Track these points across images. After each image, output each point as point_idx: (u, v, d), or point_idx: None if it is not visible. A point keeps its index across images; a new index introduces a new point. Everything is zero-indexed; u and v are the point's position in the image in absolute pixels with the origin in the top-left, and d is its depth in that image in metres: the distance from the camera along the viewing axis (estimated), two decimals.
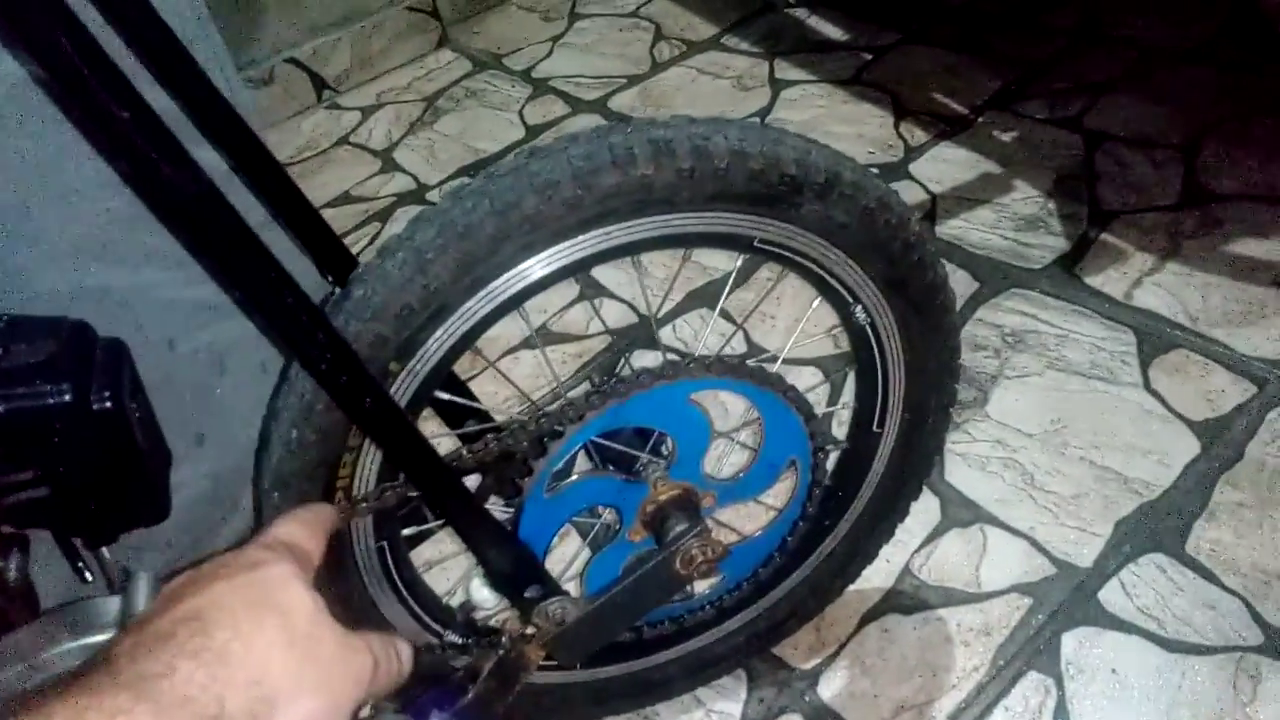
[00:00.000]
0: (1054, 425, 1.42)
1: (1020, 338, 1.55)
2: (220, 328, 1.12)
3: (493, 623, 0.99)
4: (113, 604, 0.69)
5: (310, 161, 2.27)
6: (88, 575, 0.82)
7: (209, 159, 0.75)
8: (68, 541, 0.80)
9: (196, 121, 0.77)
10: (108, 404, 0.72)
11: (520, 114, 2.31)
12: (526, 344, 1.64)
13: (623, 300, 1.73)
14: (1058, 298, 1.61)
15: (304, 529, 0.56)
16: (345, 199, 2.14)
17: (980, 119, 2.04)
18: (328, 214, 2.04)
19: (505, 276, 0.76)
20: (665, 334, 1.67)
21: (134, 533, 0.79)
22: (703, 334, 1.64)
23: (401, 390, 0.77)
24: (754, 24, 2.51)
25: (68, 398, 0.70)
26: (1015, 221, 1.77)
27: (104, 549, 0.81)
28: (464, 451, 0.81)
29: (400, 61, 2.57)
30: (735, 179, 0.78)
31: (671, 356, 0.87)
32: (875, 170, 1.93)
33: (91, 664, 0.41)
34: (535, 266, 0.76)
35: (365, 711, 0.86)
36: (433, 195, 2.11)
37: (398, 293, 0.73)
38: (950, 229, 1.78)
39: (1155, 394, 1.44)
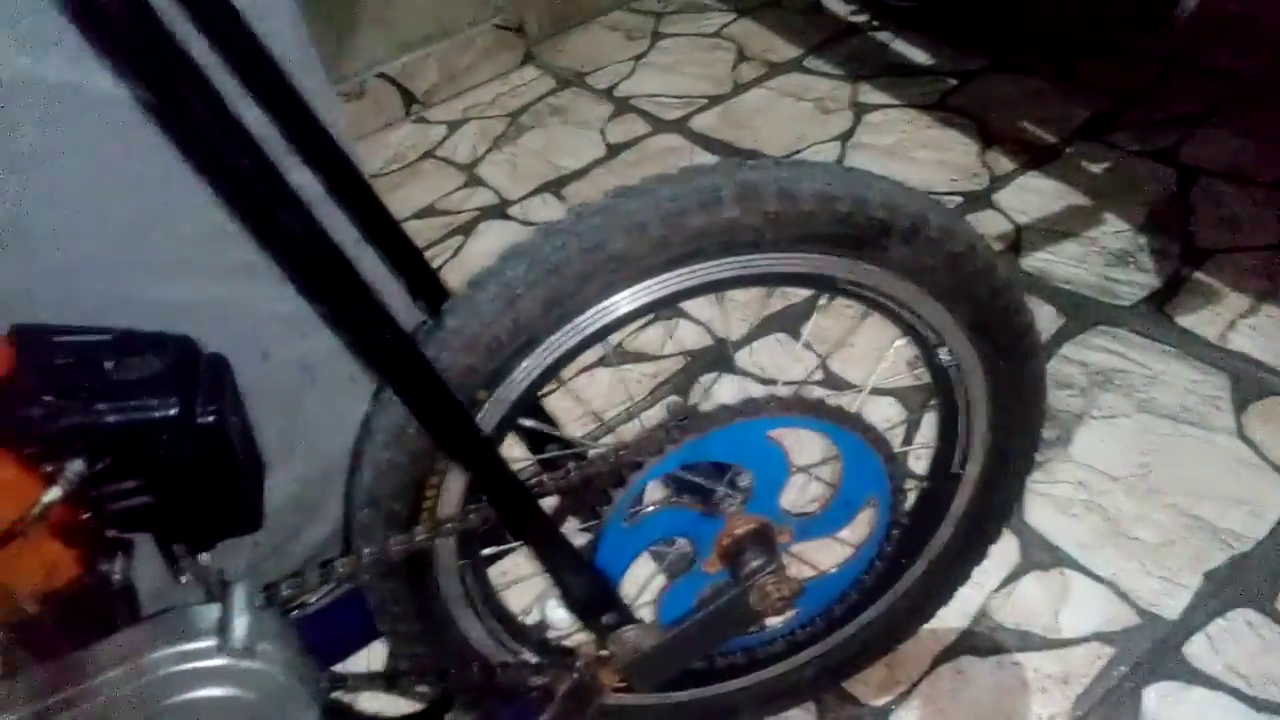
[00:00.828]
0: (1141, 469, 1.38)
1: (1107, 377, 1.52)
2: (312, 341, 1.16)
3: (567, 643, 1.01)
4: (212, 612, 0.72)
5: (397, 174, 2.33)
6: (183, 579, 0.85)
7: (304, 181, 0.78)
8: (167, 547, 0.84)
9: (294, 145, 0.80)
10: (211, 418, 0.75)
11: (602, 132, 2.34)
12: (602, 362, 1.65)
13: (699, 322, 1.74)
14: (1147, 337, 1.57)
15: None
16: (429, 211, 2.19)
17: (1069, 149, 2.01)
18: (412, 226, 2.11)
19: (591, 311, 0.77)
20: (741, 357, 1.67)
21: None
22: (779, 359, 1.63)
23: (488, 418, 0.79)
24: (837, 46, 2.50)
25: (174, 411, 0.74)
26: (1104, 256, 1.74)
27: (200, 555, 0.84)
28: (545, 478, 0.83)
29: (486, 78, 2.62)
30: (822, 221, 0.78)
31: (750, 386, 0.88)
32: (959, 198, 1.91)
33: None
34: (621, 302, 0.78)
35: None
36: (515, 210, 2.14)
37: (488, 325, 0.75)
38: (1035, 262, 1.75)
39: (1249, 441, 1.39)
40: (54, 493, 0.69)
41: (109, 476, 0.74)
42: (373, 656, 1.20)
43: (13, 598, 0.71)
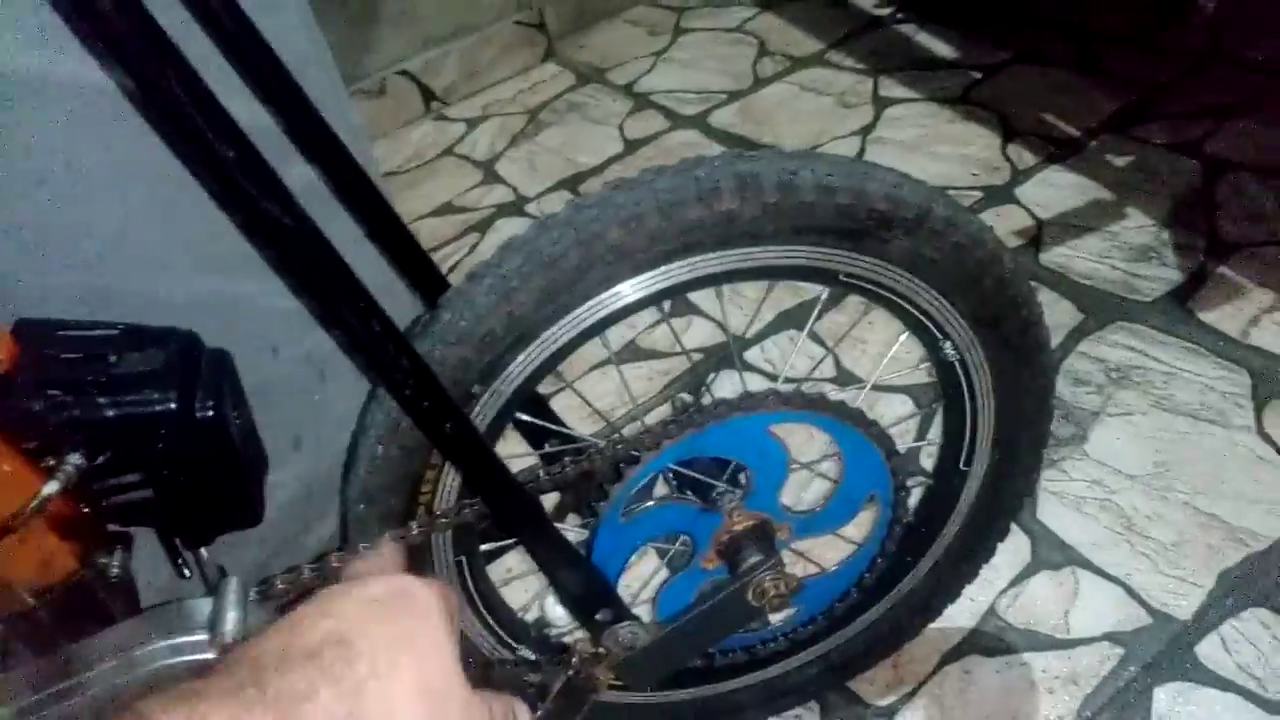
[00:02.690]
0: (1157, 467, 1.36)
1: (1125, 374, 1.49)
2: (319, 337, 1.17)
3: (565, 641, 1.00)
4: (204, 606, 0.72)
5: (416, 171, 2.34)
6: (186, 573, 0.86)
7: (304, 175, 0.78)
8: (169, 541, 0.84)
9: (294, 138, 0.80)
10: (210, 413, 0.76)
11: (620, 128, 2.33)
12: (611, 361, 1.65)
13: (712, 319, 1.73)
14: (1168, 333, 1.54)
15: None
16: (447, 209, 2.19)
17: (1093, 142, 1.98)
18: (430, 223, 2.12)
19: (588, 304, 0.77)
20: (753, 354, 1.66)
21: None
22: (790, 357, 1.62)
23: (483, 412, 0.79)
24: (860, 40, 2.48)
25: (173, 406, 0.74)
26: (1126, 251, 1.71)
27: (202, 549, 0.85)
28: (541, 473, 0.83)
29: (506, 74, 2.62)
30: (822, 214, 0.77)
31: (754, 383, 0.87)
32: (979, 192, 1.89)
33: (235, 662, 0.39)
34: (618, 296, 0.77)
35: None
36: (531, 207, 2.14)
37: (483, 318, 0.75)
38: (1055, 257, 1.72)
39: (1269, 439, 1.36)
40: (52, 486, 0.69)
41: (108, 470, 0.74)
42: None
43: (9, 591, 0.72)
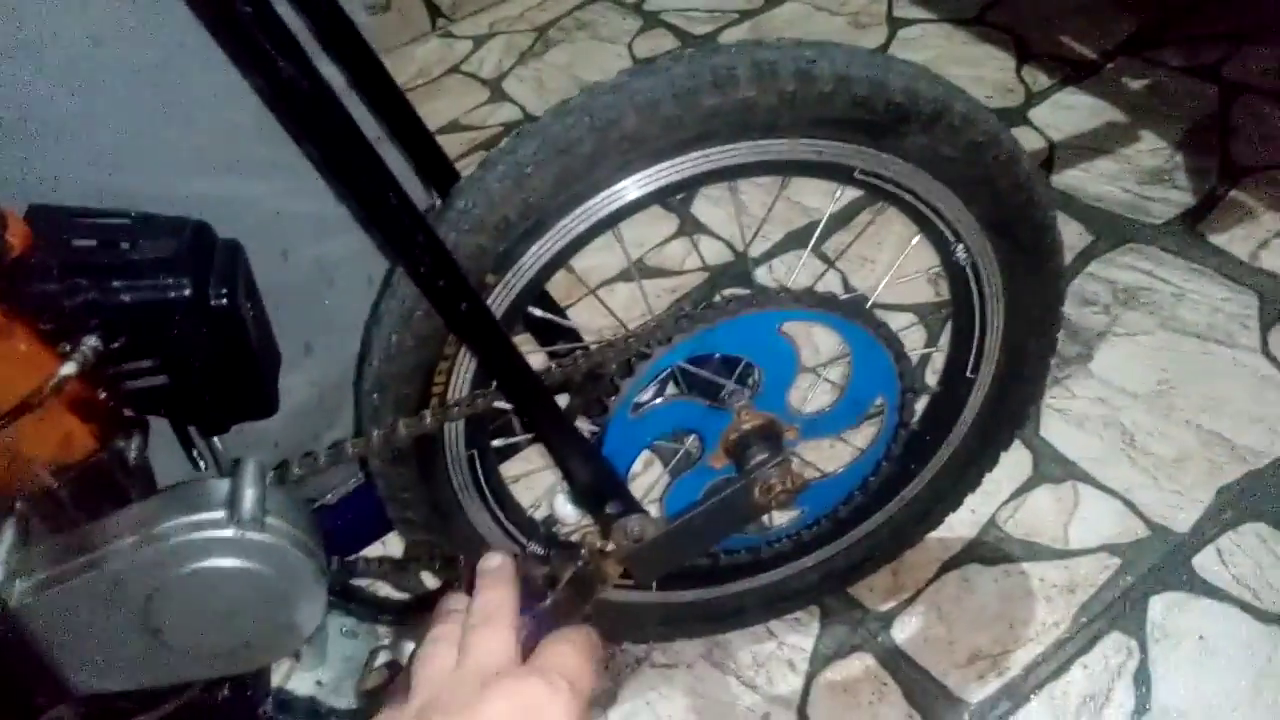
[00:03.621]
0: (1161, 386, 1.36)
1: (1133, 294, 1.49)
2: (331, 242, 1.16)
3: (574, 538, 1.02)
4: (222, 486, 0.73)
5: (421, 89, 2.30)
6: (201, 463, 0.87)
7: (328, 73, 0.77)
8: (184, 429, 0.85)
9: (318, 36, 0.79)
10: (224, 301, 0.76)
11: (629, 47, 2.30)
12: (622, 276, 1.64)
13: (719, 238, 1.72)
14: (1177, 255, 1.54)
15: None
16: (454, 127, 2.16)
17: (1109, 65, 1.95)
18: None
19: (602, 195, 0.77)
20: (761, 274, 1.65)
21: (244, 433, 0.84)
22: (797, 272, 1.61)
23: (496, 303, 0.79)
24: None
25: (187, 292, 0.74)
26: (1138, 174, 1.69)
27: (216, 439, 0.86)
28: (553, 367, 0.83)
29: None
30: (839, 105, 0.76)
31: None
32: None
33: None
34: (632, 186, 0.77)
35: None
36: None
37: (497, 205, 0.75)
38: (1067, 179, 1.71)
39: (1274, 360, 1.37)
40: (69, 367, 0.69)
41: (124, 355, 0.74)
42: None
43: (29, 468, 0.73)
